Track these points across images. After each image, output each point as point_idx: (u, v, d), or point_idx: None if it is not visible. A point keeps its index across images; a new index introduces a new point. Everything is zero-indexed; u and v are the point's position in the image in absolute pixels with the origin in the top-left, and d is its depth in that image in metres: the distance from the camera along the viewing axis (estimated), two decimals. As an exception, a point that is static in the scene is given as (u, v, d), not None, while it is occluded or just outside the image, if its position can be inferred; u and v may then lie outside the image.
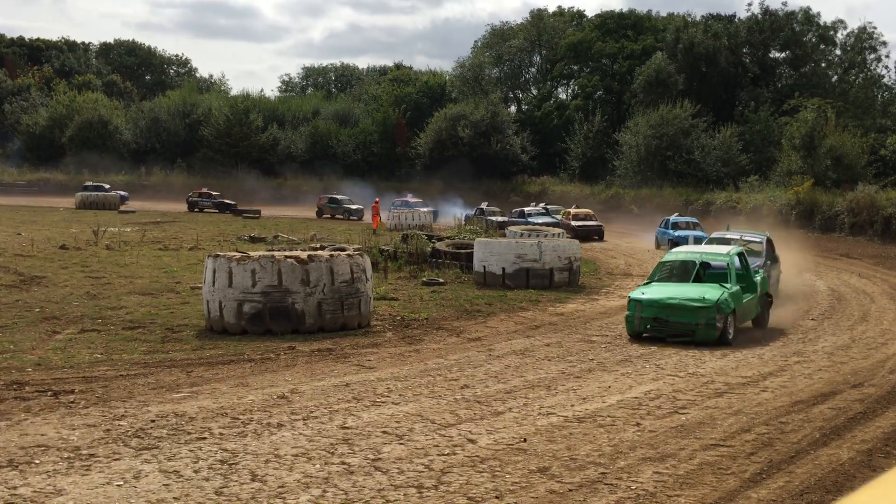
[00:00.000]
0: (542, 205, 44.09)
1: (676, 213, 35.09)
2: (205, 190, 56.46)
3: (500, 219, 39.66)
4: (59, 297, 15.63)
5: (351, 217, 48.96)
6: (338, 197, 52.69)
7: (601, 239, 35.94)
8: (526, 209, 41.13)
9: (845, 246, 32.80)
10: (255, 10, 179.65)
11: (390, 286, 18.47)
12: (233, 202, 53.76)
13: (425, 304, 16.28)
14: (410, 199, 51.27)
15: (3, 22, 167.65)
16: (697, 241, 25.13)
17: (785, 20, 58.53)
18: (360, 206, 50.22)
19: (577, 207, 41.70)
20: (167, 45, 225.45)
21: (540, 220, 36.79)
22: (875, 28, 59.18)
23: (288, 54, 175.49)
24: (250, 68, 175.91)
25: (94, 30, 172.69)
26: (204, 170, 68.03)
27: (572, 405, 9.07)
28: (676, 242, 26.92)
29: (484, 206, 44.08)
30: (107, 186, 57.20)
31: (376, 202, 42.80)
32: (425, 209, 45.35)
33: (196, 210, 53.21)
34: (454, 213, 44.49)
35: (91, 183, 57.28)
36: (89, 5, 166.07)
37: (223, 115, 70.09)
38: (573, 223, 36.45)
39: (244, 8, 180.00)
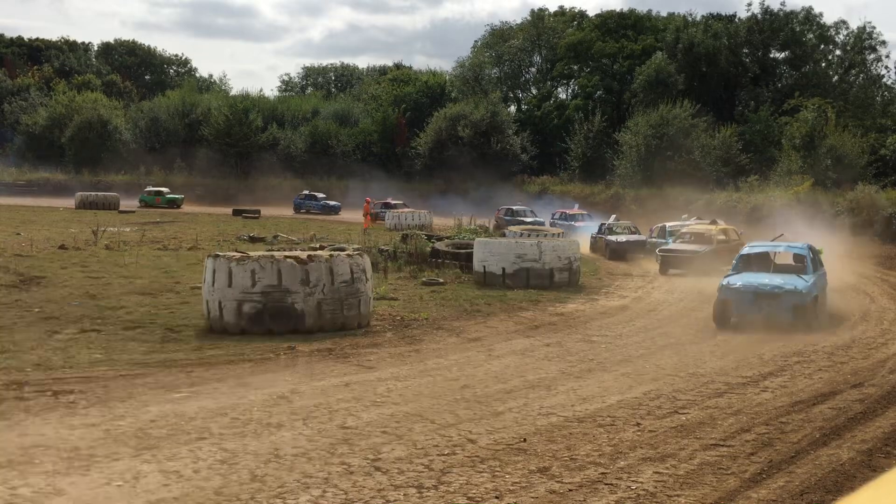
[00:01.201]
0: (693, 218, 31.12)
1: (795, 242, 18.71)
2: (309, 192, 51.82)
3: (625, 237, 28.77)
4: (58, 297, 15.61)
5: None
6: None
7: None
8: (668, 225, 28.66)
9: (845, 246, 32.75)
10: (255, 10, 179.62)
11: (390, 286, 18.45)
12: (337, 203, 49.78)
13: (425, 304, 16.28)
14: (574, 210, 41.10)
15: (3, 22, 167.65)
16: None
17: (785, 20, 58.61)
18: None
19: (715, 222, 26.97)
20: (166, 44, 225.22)
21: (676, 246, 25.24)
22: (875, 28, 59.36)
23: (287, 54, 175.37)
24: (249, 68, 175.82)
25: (92, 29, 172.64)
26: (204, 170, 68.02)
27: (572, 405, 9.06)
28: (740, 297, 14.97)
29: (612, 219, 32.61)
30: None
31: (367, 201, 42.49)
32: (585, 222, 37.07)
33: (302, 211, 48.78)
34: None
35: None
36: (87, 4, 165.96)
37: (223, 115, 70.05)
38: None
39: (243, 7, 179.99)
